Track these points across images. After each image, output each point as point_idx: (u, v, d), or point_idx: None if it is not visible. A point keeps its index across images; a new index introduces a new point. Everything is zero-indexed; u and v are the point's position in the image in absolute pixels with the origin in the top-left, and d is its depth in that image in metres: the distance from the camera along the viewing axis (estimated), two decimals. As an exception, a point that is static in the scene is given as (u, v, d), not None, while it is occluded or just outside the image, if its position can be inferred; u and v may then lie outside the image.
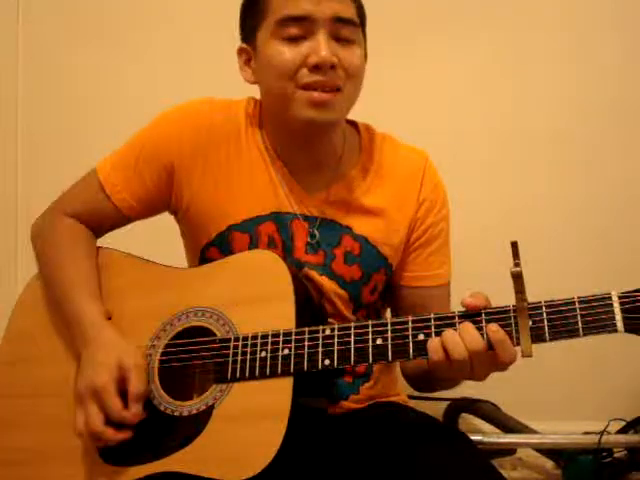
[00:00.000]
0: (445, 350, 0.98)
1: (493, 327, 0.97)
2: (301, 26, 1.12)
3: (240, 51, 1.22)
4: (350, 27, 1.14)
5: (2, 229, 2.14)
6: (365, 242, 1.23)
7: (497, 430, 1.91)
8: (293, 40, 1.12)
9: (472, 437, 1.23)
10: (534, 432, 1.87)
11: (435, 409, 1.82)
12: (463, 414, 1.96)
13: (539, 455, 1.96)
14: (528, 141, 2.02)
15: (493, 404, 1.92)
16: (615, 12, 2.01)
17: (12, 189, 2.14)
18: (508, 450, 1.92)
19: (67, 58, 2.10)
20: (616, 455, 1.83)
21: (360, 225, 1.23)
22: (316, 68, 1.11)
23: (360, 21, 1.18)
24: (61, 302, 1.18)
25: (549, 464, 1.97)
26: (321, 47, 1.11)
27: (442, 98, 2.03)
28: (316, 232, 1.22)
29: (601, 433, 1.79)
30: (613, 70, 2.01)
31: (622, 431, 1.86)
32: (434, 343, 0.99)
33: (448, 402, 1.92)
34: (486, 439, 1.84)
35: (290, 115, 1.15)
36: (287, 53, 1.12)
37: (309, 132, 1.19)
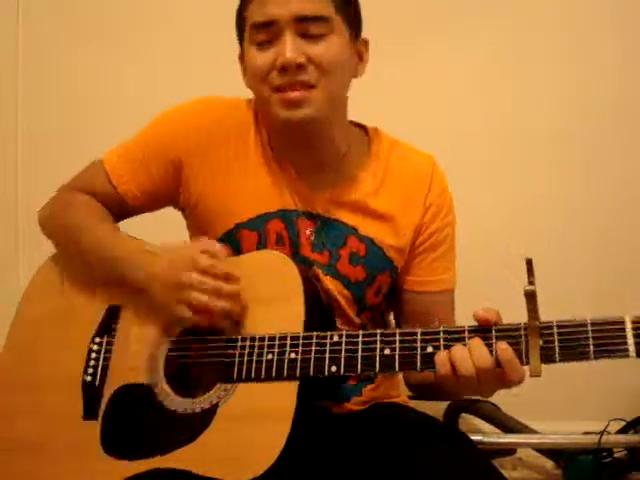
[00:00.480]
0: (452, 365, 0.97)
1: (502, 345, 0.96)
2: (269, 31, 1.14)
3: (239, 58, 1.24)
4: (318, 23, 1.14)
5: (3, 229, 2.14)
6: (371, 243, 1.22)
7: (497, 430, 1.91)
8: (264, 45, 1.15)
9: (472, 437, 1.23)
10: (534, 432, 1.87)
11: (435, 409, 1.82)
12: (463, 414, 1.95)
13: (539, 455, 1.96)
14: (528, 141, 2.02)
15: (493, 404, 1.91)
16: (615, 12, 2.01)
17: (12, 189, 2.14)
18: (508, 450, 1.91)
19: (67, 58, 2.10)
20: (616, 455, 1.83)
21: (366, 226, 1.22)
22: (283, 70, 1.12)
23: (338, 10, 1.15)
24: (96, 252, 1.17)
25: (549, 464, 1.97)
26: (285, 49, 1.12)
27: (442, 98, 2.03)
28: (320, 230, 1.22)
29: (601, 433, 1.79)
30: (613, 70, 2.01)
31: (622, 431, 1.86)
32: (442, 356, 0.98)
33: (448, 402, 1.92)
34: (486, 439, 1.84)
35: (272, 117, 1.17)
36: (258, 58, 1.15)
37: (295, 132, 1.19)
